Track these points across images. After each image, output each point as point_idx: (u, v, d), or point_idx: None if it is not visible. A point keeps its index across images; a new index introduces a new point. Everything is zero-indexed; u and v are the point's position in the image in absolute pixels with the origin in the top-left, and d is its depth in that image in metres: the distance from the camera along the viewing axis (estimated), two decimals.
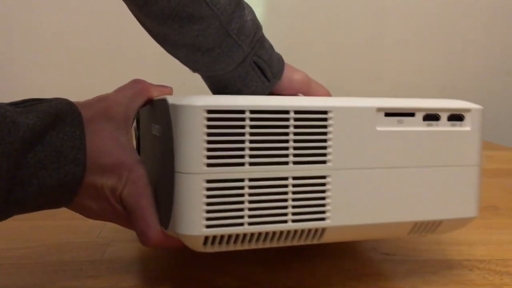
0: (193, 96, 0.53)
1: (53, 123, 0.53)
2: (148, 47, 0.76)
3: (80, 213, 0.60)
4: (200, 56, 0.74)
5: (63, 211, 0.68)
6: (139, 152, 0.70)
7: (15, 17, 1.77)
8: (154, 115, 0.63)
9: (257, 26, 0.77)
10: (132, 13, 0.72)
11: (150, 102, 0.64)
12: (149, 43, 0.78)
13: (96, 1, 1.75)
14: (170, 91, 0.67)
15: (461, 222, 0.65)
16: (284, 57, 0.78)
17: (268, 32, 0.78)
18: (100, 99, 0.60)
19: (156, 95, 0.64)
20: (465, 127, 0.63)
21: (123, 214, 0.59)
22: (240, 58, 0.75)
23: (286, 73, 0.80)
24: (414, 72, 1.87)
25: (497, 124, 1.92)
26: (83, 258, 0.76)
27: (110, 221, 0.61)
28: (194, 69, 0.79)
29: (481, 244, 0.83)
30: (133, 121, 0.61)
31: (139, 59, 1.76)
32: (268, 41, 0.80)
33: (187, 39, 0.72)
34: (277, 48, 0.78)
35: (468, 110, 0.63)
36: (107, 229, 0.59)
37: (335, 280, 0.70)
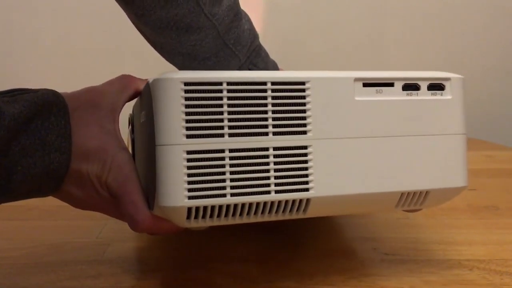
0: (172, 71, 0.51)
1: (38, 113, 0.51)
2: (149, 48, 0.74)
3: (67, 202, 0.57)
4: (197, 65, 0.71)
5: (63, 211, 0.66)
6: (133, 156, 0.68)
7: (15, 17, 1.72)
8: (141, 105, 0.60)
9: (254, 36, 0.74)
10: (131, 20, 0.70)
11: (138, 95, 0.61)
12: (150, 45, 0.76)
13: (97, 2, 1.71)
14: None
15: (450, 192, 0.59)
16: (284, 57, 0.76)
17: (268, 32, 0.75)
18: (88, 90, 0.57)
19: (143, 87, 0.61)
20: (446, 96, 0.58)
21: (110, 201, 0.55)
22: (235, 67, 0.72)
23: None
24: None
25: (497, 124, 1.85)
26: (83, 258, 0.72)
27: (97, 210, 0.58)
28: None
29: (481, 244, 0.78)
30: (120, 111, 0.58)
31: (139, 59, 1.68)
32: (264, 50, 0.77)
33: (184, 48, 0.69)
34: (277, 48, 0.76)
35: (447, 79, 0.59)
36: (107, 229, 0.57)
37: (335, 280, 0.65)
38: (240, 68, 0.73)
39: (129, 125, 0.70)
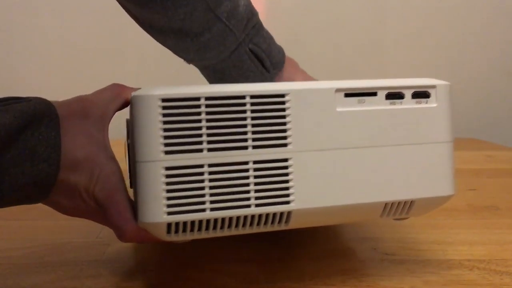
0: (153, 87, 0.49)
1: (29, 123, 0.49)
2: (149, 48, 0.72)
3: (56, 209, 0.55)
4: (190, 43, 0.67)
5: None
6: (129, 161, 0.66)
7: (15, 17, 1.65)
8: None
9: (251, 12, 0.69)
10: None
11: (129, 103, 0.58)
12: (150, 45, 0.72)
13: (97, 2, 1.63)
14: None
15: (437, 201, 0.57)
16: None
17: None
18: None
19: None
20: (431, 104, 0.55)
21: (98, 211, 0.53)
22: (233, 45, 0.67)
23: (287, 71, 0.73)
24: (414, 72, 1.70)
25: (497, 124, 1.76)
26: (83, 258, 0.71)
27: (86, 218, 0.56)
28: (187, 58, 0.71)
29: (481, 244, 0.75)
30: (110, 120, 0.56)
31: (140, 59, 1.64)
32: (267, 30, 0.71)
33: (174, 23, 0.64)
34: None
35: (433, 87, 0.55)
36: (107, 229, 0.55)
37: (335, 280, 0.63)
38: (238, 46, 0.67)
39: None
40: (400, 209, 0.56)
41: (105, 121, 0.55)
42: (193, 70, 0.77)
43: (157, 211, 0.48)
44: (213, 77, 0.72)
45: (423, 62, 1.72)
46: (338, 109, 0.52)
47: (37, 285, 0.63)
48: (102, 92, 0.57)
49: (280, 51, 0.72)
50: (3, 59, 1.66)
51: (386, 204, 0.55)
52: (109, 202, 0.52)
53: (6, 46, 1.67)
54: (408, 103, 0.54)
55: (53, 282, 0.64)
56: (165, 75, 1.54)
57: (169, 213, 0.48)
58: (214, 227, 0.50)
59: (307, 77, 0.74)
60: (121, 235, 0.53)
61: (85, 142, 0.52)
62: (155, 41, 0.71)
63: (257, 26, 0.69)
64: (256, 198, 0.50)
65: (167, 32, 0.67)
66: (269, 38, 0.71)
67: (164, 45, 0.70)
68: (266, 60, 0.69)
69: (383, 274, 0.65)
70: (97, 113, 0.54)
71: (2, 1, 1.66)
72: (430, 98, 0.55)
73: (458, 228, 0.82)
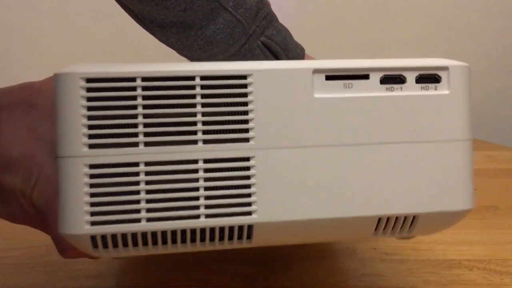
0: (80, 64, 0.24)
1: None
2: (150, 48, 0.46)
3: None
4: (194, 37, 0.40)
5: None
6: None
7: (15, 17, 1.20)
8: None
9: (261, 1, 0.41)
10: None
11: None
12: (150, 45, 0.46)
13: (97, 2, 1.18)
14: None
15: (449, 217, 0.27)
16: None
17: None
18: (22, 87, 0.31)
19: None
20: (442, 91, 0.26)
21: (38, 220, 0.29)
22: (242, 38, 0.40)
23: None
24: None
25: (497, 124, 1.28)
26: (83, 258, 0.46)
27: (29, 226, 0.31)
28: (193, 57, 0.43)
29: (481, 244, 0.49)
30: None
31: (140, 59, 1.16)
32: (282, 24, 0.43)
33: (174, 15, 0.39)
34: None
35: (444, 68, 0.26)
36: None
37: (335, 280, 0.41)
38: (248, 39, 0.40)
39: None
40: (399, 226, 0.27)
41: (53, 113, 0.30)
42: None
43: (77, 220, 0.23)
44: None
45: None
46: (317, 95, 0.25)
47: (37, 285, 0.41)
48: (53, 80, 0.32)
49: (299, 45, 0.44)
50: (3, 59, 1.23)
51: (380, 219, 0.26)
52: (49, 210, 0.27)
53: (6, 46, 1.22)
54: (410, 89, 0.26)
55: (53, 282, 0.41)
56: None
57: (93, 223, 0.23)
58: (154, 242, 0.24)
59: None
60: (63, 251, 0.29)
61: (24, 137, 0.28)
62: (157, 40, 0.44)
63: (269, 17, 0.41)
64: (207, 206, 0.24)
65: (169, 27, 0.40)
66: (284, 30, 0.43)
67: (167, 44, 0.43)
68: (281, 54, 0.41)
69: (383, 274, 0.42)
70: (45, 104, 0.29)
71: (2, 1, 1.21)
72: (441, 83, 0.26)
73: (458, 228, 0.52)
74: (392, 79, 0.25)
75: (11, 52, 1.21)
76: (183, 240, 0.24)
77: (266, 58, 0.41)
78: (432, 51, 1.27)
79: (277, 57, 0.41)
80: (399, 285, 0.40)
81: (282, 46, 0.41)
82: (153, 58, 1.11)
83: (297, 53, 0.42)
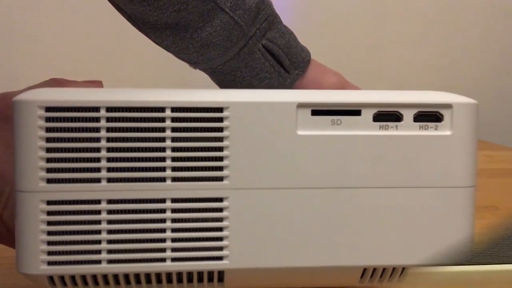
0: (41, 89, 0.22)
1: None
2: (150, 49, 0.43)
3: None
4: (189, 40, 0.37)
5: None
6: None
7: (16, 16, 1.15)
8: None
9: (262, 2, 0.37)
10: None
11: None
12: (151, 45, 0.44)
13: (97, 2, 1.08)
14: (97, 84, 0.31)
15: (441, 273, 0.26)
16: None
17: None
18: (0, 97, 0.28)
19: None
20: (443, 131, 0.23)
21: (10, 239, 0.27)
22: (241, 41, 0.36)
23: (314, 72, 0.39)
24: (415, 72, 1.20)
25: (497, 124, 1.23)
26: None
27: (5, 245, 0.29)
28: (190, 61, 0.40)
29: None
30: None
31: (140, 59, 1.12)
32: (286, 26, 0.39)
33: (168, 16, 0.36)
34: None
35: (447, 106, 0.23)
36: None
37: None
38: (248, 42, 0.37)
39: None
40: (387, 276, 0.25)
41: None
42: (199, 75, 0.44)
43: (34, 259, 0.21)
44: (223, 82, 0.40)
45: (424, 63, 1.20)
46: (300, 132, 0.22)
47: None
48: (33, 88, 0.30)
49: (304, 50, 0.40)
50: (3, 59, 1.18)
51: (365, 269, 0.24)
52: None
53: (6, 46, 1.17)
54: (407, 129, 0.23)
55: None
56: (166, 77, 1.06)
57: (50, 263, 0.21)
58: (117, 283, 0.23)
59: (344, 83, 0.39)
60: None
61: None
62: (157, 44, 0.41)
63: (271, 19, 0.38)
64: (174, 249, 0.22)
65: (163, 29, 0.37)
66: (288, 33, 0.39)
67: (163, 47, 0.40)
68: (284, 58, 0.38)
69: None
70: None
71: (2, 1, 1.16)
72: (443, 122, 0.23)
73: None
74: (387, 116, 0.22)
75: (11, 52, 1.17)
76: (148, 281, 0.22)
77: (267, 61, 0.37)
78: (432, 51, 1.21)
79: (279, 62, 0.38)
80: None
81: (285, 50, 0.38)
82: (153, 58, 1.00)
83: (302, 57, 0.38)
